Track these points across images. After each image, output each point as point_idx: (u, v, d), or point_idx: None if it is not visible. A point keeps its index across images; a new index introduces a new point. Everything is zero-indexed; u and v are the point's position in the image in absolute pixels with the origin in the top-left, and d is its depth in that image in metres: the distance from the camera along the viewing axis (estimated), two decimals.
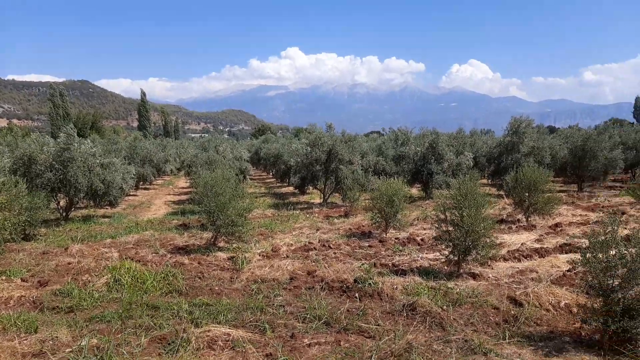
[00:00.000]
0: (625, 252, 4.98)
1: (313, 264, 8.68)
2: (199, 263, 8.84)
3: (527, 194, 12.83)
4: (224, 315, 6.11)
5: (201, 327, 5.57)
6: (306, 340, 5.38)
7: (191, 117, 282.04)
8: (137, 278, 7.63)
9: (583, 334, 5.57)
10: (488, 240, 7.97)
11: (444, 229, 8.19)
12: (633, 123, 69.45)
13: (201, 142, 20.49)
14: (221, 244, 10.17)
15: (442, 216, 8.24)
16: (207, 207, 9.49)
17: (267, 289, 7.36)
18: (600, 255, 5.11)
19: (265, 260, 8.95)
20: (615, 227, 5.14)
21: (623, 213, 14.68)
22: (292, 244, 10.38)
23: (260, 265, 8.49)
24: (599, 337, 5.24)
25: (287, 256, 9.29)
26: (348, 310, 6.42)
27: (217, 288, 7.44)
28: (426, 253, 9.63)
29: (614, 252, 4.99)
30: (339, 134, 17.70)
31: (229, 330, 5.46)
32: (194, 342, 5.10)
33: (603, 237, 5.11)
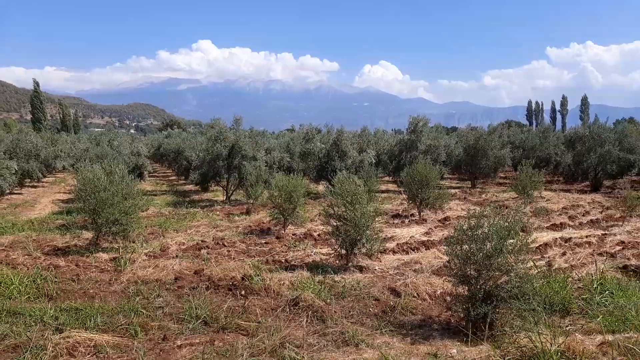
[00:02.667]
0: (486, 244, 5.34)
1: (203, 262, 8.42)
2: (76, 265, 8.20)
3: (419, 190, 13.47)
4: (93, 319, 5.69)
5: (64, 333, 5.14)
6: (179, 341, 5.17)
7: (94, 110, 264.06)
8: (1, 283, 6.91)
9: (452, 321, 5.90)
10: (374, 234, 8.21)
11: (333, 223, 8.32)
12: (525, 124, 76.11)
13: (94, 136, 19.15)
14: (105, 245, 9.53)
15: (331, 211, 8.38)
16: (86, 204, 8.83)
17: (148, 290, 6.99)
18: (463, 247, 5.44)
19: (151, 260, 8.52)
20: (478, 220, 5.49)
21: (506, 207, 15.97)
22: (184, 243, 10.01)
23: (145, 266, 8.06)
24: (464, 323, 5.57)
25: (177, 256, 8.93)
26: (230, 309, 6.28)
27: (92, 291, 6.95)
28: (320, 248, 9.74)
29: (473, 245, 5.32)
30: (247, 130, 17.44)
31: (93, 335, 5.08)
32: (50, 349, 4.68)
33: (465, 229, 5.44)
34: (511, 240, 5.39)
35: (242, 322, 5.77)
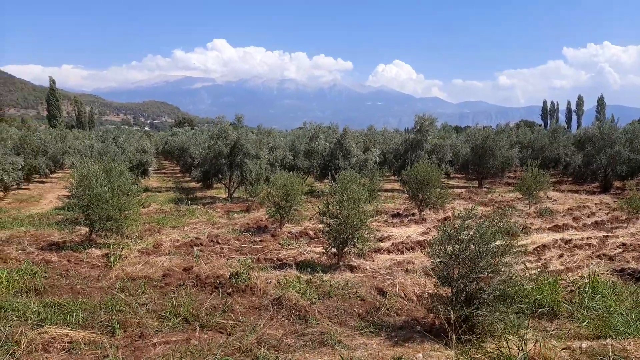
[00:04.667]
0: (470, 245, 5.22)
1: (193, 260, 8.40)
2: (68, 260, 8.24)
3: (420, 189, 13.32)
4: (75, 315, 5.69)
5: (43, 329, 5.14)
6: (155, 339, 5.13)
7: (109, 107, 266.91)
8: None
9: (437, 323, 5.79)
10: (366, 233, 8.11)
11: (326, 221, 8.25)
12: (540, 124, 75.17)
13: (101, 133, 19.32)
14: (100, 241, 9.57)
15: (325, 209, 8.30)
16: (80, 200, 8.87)
17: (135, 287, 6.99)
18: (447, 248, 5.33)
19: (143, 256, 8.53)
20: (464, 222, 5.37)
21: (512, 207, 15.73)
22: (178, 240, 10.01)
23: (135, 262, 8.08)
24: (446, 325, 5.45)
25: (169, 252, 8.93)
26: (214, 307, 6.25)
27: (79, 287, 6.96)
28: (314, 247, 9.68)
29: (458, 246, 5.21)
30: (252, 128, 17.44)
31: (70, 331, 5.07)
32: (24, 345, 4.68)
33: (450, 230, 5.32)
34: (497, 243, 5.26)
35: (222, 321, 5.72)
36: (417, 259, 8.80)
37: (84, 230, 10.36)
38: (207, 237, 10.23)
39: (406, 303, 6.52)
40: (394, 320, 5.98)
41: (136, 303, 6.26)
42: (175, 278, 7.47)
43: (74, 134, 31.30)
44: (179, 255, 8.78)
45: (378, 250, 9.45)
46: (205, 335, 5.37)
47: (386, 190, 20.91)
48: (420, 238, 10.49)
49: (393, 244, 9.98)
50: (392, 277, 7.43)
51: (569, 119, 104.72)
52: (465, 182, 25.65)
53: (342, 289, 6.94)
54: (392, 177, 25.10)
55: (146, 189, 19.55)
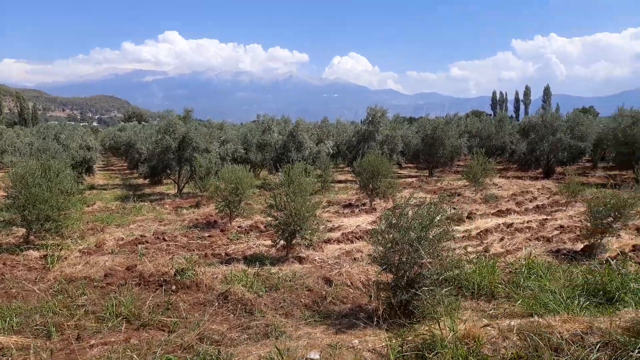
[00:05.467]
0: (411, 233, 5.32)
1: (137, 258, 8.17)
2: (3, 264, 7.82)
3: (370, 179, 13.49)
4: (8, 320, 5.42)
5: None
6: (93, 341, 4.97)
7: (54, 103, 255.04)
8: None
9: (381, 308, 5.88)
10: (314, 224, 8.13)
11: (274, 214, 8.20)
12: (491, 114, 77.74)
13: (41, 130, 18.40)
14: (38, 242, 9.14)
15: (272, 202, 8.25)
16: (16, 201, 8.43)
17: (74, 288, 6.72)
18: (388, 235, 5.41)
19: (84, 257, 8.22)
20: (403, 209, 5.46)
21: (459, 194, 16.20)
22: (123, 238, 9.71)
23: (75, 263, 7.77)
24: (389, 310, 5.55)
25: (112, 252, 8.64)
26: (157, 305, 6.11)
27: (14, 290, 6.63)
28: (264, 240, 9.62)
29: (398, 234, 5.30)
30: (203, 121, 17.08)
31: (0, 337, 4.83)
32: None
33: (391, 218, 5.41)
34: (436, 229, 5.39)
35: (164, 319, 5.60)
36: (366, 248, 8.90)
37: (22, 231, 9.87)
38: (153, 235, 9.97)
39: (352, 291, 6.60)
40: (340, 308, 6.04)
41: (75, 305, 6.04)
42: (117, 278, 7.24)
43: (15, 132, 29.66)
44: (123, 254, 8.52)
45: (328, 241, 9.50)
46: (146, 334, 5.25)
47: (340, 182, 21.06)
48: (370, 227, 10.61)
49: (343, 233, 10.06)
50: (339, 267, 7.49)
51: (517, 109, 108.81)
52: (416, 172, 26.18)
53: (289, 281, 6.93)
54: (346, 169, 25.30)
55: (92, 187, 18.84)
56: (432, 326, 3.49)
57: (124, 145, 20.82)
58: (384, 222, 5.55)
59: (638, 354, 3.44)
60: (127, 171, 25.59)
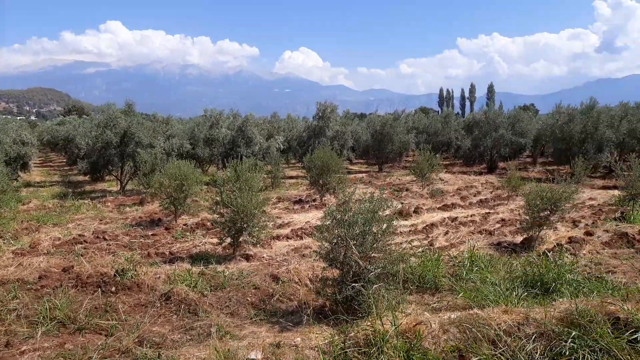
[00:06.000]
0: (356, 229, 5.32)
1: (75, 259, 7.76)
2: None
3: (320, 175, 13.50)
4: None
5: None
6: (24, 347, 4.65)
7: None
8: None
9: (328, 304, 5.86)
10: (261, 221, 8.01)
11: (220, 211, 8.01)
12: (438, 111, 79.92)
13: None
14: None
15: (218, 198, 8.05)
16: None
17: (6, 291, 6.28)
18: (334, 231, 5.39)
19: (17, 258, 7.72)
20: (346, 205, 5.46)
21: (407, 189, 16.52)
22: (60, 238, 9.21)
23: (7, 265, 7.28)
24: (336, 307, 5.54)
25: (48, 252, 8.17)
26: (95, 307, 5.81)
27: None
28: (211, 237, 9.40)
29: (342, 229, 5.29)
30: (148, 115, 16.46)
31: None
32: None
33: (335, 214, 5.39)
34: (379, 225, 5.42)
35: (102, 322, 5.33)
36: (315, 244, 8.87)
37: None
38: (93, 234, 9.51)
39: (299, 288, 6.54)
40: (287, 305, 5.97)
41: (5, 309, 5.64)
42: (53, 279, 6.83)
43: None
44: (60, 255, 8.07)
45: (277, 238, 9.42)
46: (83, 339, 4.97)
47: (291, 177, 20.98)
48: (320, 223, 10.60)
49: (293, 230, 10.00)
50: (287, 264, 7.43)
51: (463, 106, 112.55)
52: (367, 167, 26.51)
53: (236, 279, 6.79)
54: (298, 164, 25.25)
55: (27, 184, 17.83)
56: (374, 321, 3.49)
57: (62, 141, 19.74)
58: (328, 218, 5.53)
59: (572, 344, 3.57)
60: (66, 167, 24.35)
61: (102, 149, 14.52)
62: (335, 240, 5.38)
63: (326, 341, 3.47)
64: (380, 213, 5.39)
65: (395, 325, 3.44)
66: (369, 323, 3.52)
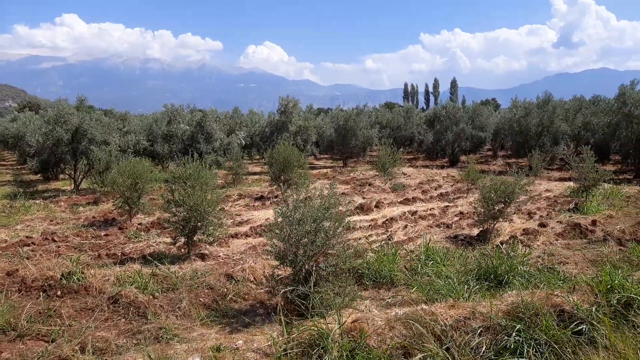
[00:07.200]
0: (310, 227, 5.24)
1: (21, 262, 7.39)
2: None
3: (282, 171, 13.37)
4: None
5: None
6: None
7: None
8: None
9: (282, 304, 5.77)
10: (216, 220, 7.83)
11: (172, 209, 7.78)
12: (402, 106, 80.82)
13: None
14: None
15: (170, 197, 7.82)
16: None
17: None
18: (284, 229, 5.30)
19: None
20: (297, 202, 5.38)
21: (370, 184, 16.57)
22: (6, 240, 8.77)
23: None
24: (289, 306, 5.45)
25: None
26: (40, 313, 5.53)
27: None
28: (165, 237, 9.14)
29: (292, 227, 5.21)
30: (101, 110, 15.88)
31: None
32: None
33: (285, 212, 5.31)
34: (331, 222, 5.36)
35: (44, 327, 5.07)
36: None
37: None
38: (41, 235, 9.10)
39: (254, 287, 6.43)
40: (240, 305, 5.85)
41: None
42: None
43: None
44: (4, 258, 7.67)
45: (235, 235, 9.25)
46: (23, 346, 4.72)
47: (255, 174, 20.74)
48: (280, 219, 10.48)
49: (252, 227, 9.85)
50: (243, 262, 7.29)
51: (427, 100, 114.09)
52: (331, 162, 26.50)
53: (189, 280, 6.61)
54: (262, 160, 24.99)
55: None
56: (319, 321, 3.42)
57: (12, 138, 18.84)
58: (279, 215, 5.44)
59: (516, 337, 3.60)
60: (18, 166, 23.33)
61: (53, 147, 13.92)
62: (285, 239, 5.29)
63: (269, 343, 3.38)
64: (333, 210, 5.34)
65: (339, 323, 3.38)
66: (311, 323, 3.45)
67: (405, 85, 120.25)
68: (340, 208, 5.52)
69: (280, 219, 5.34)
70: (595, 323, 3.57)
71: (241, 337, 4.31)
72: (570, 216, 10.06)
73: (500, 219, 8.91)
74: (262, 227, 9.77)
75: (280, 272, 5.98)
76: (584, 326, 3.58)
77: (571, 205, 11.11)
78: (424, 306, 3.94)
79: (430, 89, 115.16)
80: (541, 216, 10.35)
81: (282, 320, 3.56)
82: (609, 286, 3.98)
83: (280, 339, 3.35)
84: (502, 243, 7.94)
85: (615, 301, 3.84)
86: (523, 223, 9.89)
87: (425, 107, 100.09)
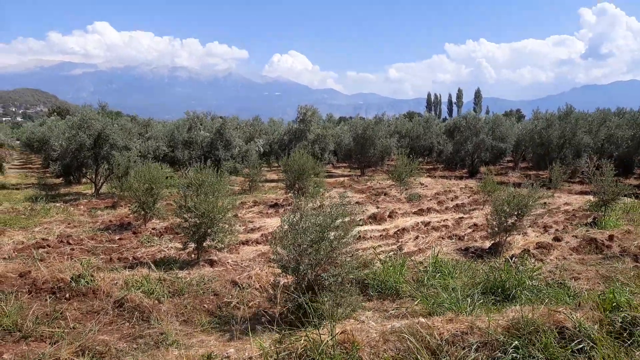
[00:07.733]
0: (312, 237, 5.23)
1: (35, 263, 7.56)
2: None
3: (297, 179, 13.41)
4: None
5: None
6: None
7: None
8: None
9: (285, 313, 5.76)
10: (226, 226, 7.89)
11: (183, 216, 7.87)
12: (424, 116, 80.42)
13: None
14: None
15: (182, 203, 7.91)
16: None
17: None
18: (289, 238, 5.30)
19: None
20: (303, 213, 5.37)
21: (385, 194, 16.47)
22: (23, 242, 8.99)
23: None
24: (289, 315, 5.44)
25: (8, 256, 7.98)
26: (47, 314, 5.64)
27: None
28: (177, 242, 9.23)
29: (298, 236, 5.20)
30: (127, 117, 16.24)
31: None
32: None
33: (290, 221, 5.30)
34: (336, 232, 5.34)
35: (48, 329, 5.17)
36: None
37: None
38: (57, 238, 9.31)
39: (259, 294, 6.43)
40: (244, 313, 5.85)
41: None
42: (8, 285, 6.64)
43: None
44: (20, 259, 7.87)
45: (246, 242, 9.30)
46: (25, 347, 4.81)
47: (272, 181, 20.83)
48: (286, 227, 10.50)
49: (263, 234, 9.88)
50: (250, 269, 7.31)
51: (450, 110, 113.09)
52: (349, 171, 26.44)
53: (195, 285, 6.66)
54: (280, 168, 25.11)
55: (2, 187, 17.50)
56: (311, 331, 3.40)
57: (37, 142, 19.39)
58: (285, 224, 5.45)
59: (514, 353, 3.51)
60: (43, 170, 23.97)
61: (76, 151, 14.28)
62: (289, 247, 5.28)
63: (260, 352, 3.37)
64: (339, 220, 5.31)
65: (332, 335, 3.35)
66: (303, 333, 3.43)
67: (429, 94, 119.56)
68: (348, 218, 5.49)
69: (286, 227, 5.33)
70: (596, 342, 3.45)
71: (236, 345, 4.31)
72: (587, 230, 9.79)
73: (514, 232, 8.74)
74: (274, 234, 9.80)
75: (284, 280, 5.97)
76: (585, 345, 3.47)
77: (589, 220, 10.82)
78: (422, 319, 3.87)
79: (454, 99, 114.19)
80: (557, 230, 10.10)
81: (276, 329, 3.54)
82: (614, 304, 3.84)
83: (272, 348, 3.33)
84: (513, 256, 7.77)
85: (620, 319, 3.71)
86: (537, 237, 9.67)
87: (447, 117, 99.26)
